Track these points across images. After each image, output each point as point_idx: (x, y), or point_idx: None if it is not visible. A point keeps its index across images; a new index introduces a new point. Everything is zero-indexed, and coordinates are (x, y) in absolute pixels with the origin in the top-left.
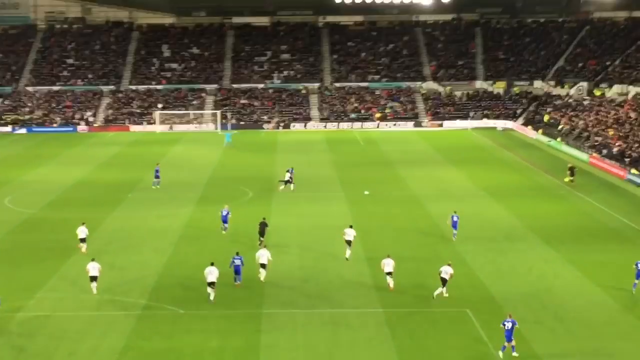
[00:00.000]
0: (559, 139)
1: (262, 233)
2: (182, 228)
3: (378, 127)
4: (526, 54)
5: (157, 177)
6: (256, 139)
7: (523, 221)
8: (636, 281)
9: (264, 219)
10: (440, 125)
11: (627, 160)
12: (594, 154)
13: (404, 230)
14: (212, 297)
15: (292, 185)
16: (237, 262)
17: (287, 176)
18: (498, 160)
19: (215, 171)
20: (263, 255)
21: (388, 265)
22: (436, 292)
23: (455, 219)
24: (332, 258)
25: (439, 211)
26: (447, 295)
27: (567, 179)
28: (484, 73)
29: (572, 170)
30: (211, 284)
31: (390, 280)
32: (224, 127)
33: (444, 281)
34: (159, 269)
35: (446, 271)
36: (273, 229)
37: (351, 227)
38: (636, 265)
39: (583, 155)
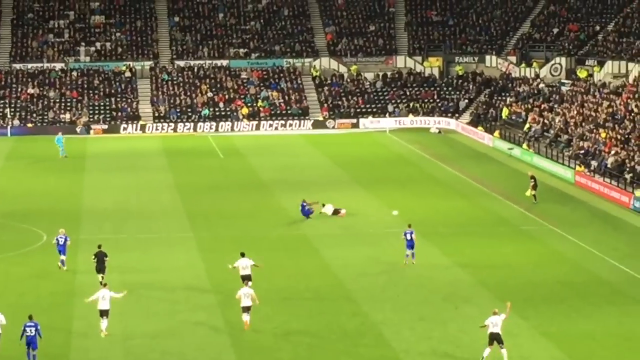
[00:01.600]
0: (525, 145)
1: (100, 269)
2: None
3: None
4: (473, 14)
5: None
6: (53, 149)
7: (471, 274)
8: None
9: (99, 247)
10: (354, 125)
11: (628, 176)
12: (580, 169)
13: (292, 292)
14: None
15: None
16: (30, 330)
17: None
18: (431, 179)
19: None
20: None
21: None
22: (485, 354)
23: (409, 236)
24: (172, 337)
25: (340, 260)
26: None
27: (529, 193)
28: (409, 44)
29: (534, 181)
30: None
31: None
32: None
33: (495, 337)
34: None
35: (495, 323)
36: (82, 292)
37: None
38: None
39: (566, 172)
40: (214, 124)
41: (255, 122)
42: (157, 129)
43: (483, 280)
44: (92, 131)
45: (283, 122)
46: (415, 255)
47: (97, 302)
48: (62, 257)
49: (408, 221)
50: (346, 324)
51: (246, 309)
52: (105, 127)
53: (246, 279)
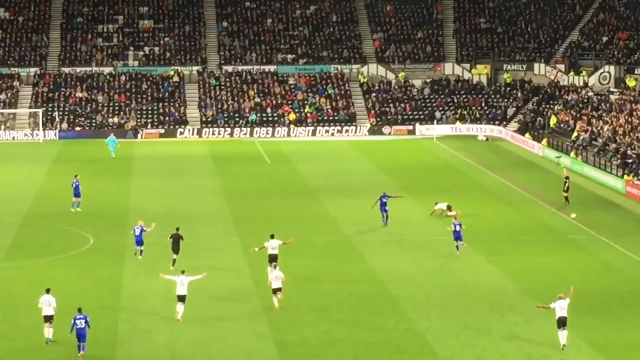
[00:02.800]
0: (572, 154)
1: (175, 249)
2: None
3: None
4: (522, 22)
5: (77, 194)
6: (100, 153)
7: (517, 282)
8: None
9: (177, 229)
10: (410, 132)
11: None
12: (628, 178)
13: (337, 298)
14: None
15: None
16: (80, 322)
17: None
18: (477, 187)
19: (36, 205)
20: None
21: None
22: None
23: (457, 227)
24: (217, 342)
25: (386, 267)
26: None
27: (564, 195)
28: (457, 51)
29: (567, 181)
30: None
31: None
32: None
33: (563, 321)
34: None
35: (562, 307)
36: (128, 305)
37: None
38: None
39: (617, 183)
40: (261, 129)
41: (311, 128)
42: (212, 134)
43: (529, 289)
44: (139, 135)
45: (339, 128)
46: (460, 263)
47: (176, 287)
48: (138, 247)
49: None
50: (391, 331)
51: (276, 290)
52: (162, 131)
53: (273, 259)
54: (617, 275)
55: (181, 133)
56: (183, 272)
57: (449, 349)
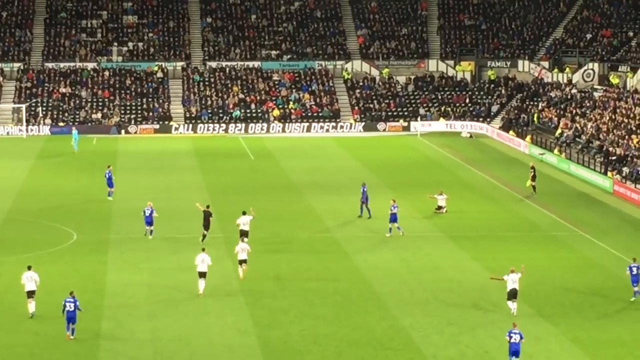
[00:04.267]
0: (556, 151)
1: (205, 226)
2: None
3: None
4: (506, 19)
5: (110, 185)
6: (85, 148)
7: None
8: (635, 288)
9: (207, 207)
10: (405, 128)
11: None
12: (611, 175)
13: (321, 295)
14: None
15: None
16: (70, 305)
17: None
18: (461, 183)
19: (19, 200)
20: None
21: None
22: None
23: (394, 209)
24: (200, 339)
25: (370, 264)
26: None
27: (528, 184)
28: (442, 48)
29: (533, 171)
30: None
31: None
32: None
33: (514, 293)
34: None
35: (514, 280)
36: (111, 301)
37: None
38: (630, 269)
39: (604, 181)
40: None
41: (285, 124)
42: (207, 130)
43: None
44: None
45: (334, 124)
46: (444, 259)
47: (197, 265)
48: (148, 227)
49: (436, 227)
50: (375, 328)
51: (242, 262)
52: (157, 127)
53: (244, 235)
54: (600, 272)
55: (176, 129)
56: (203, 249)
57: (433, 345)
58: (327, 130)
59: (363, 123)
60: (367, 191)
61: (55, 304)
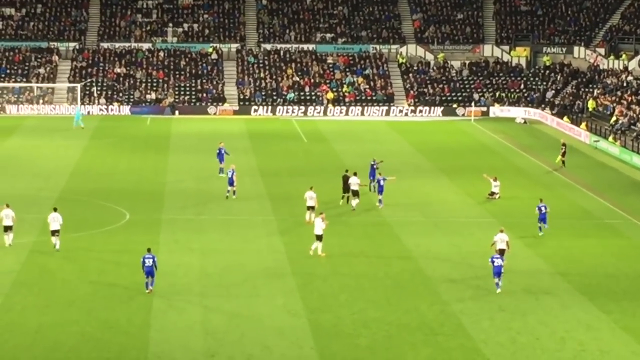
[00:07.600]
0: (611, 138)
1: (345, 189)
2: (16, 272)
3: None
4: (562, 5)
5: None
6: (138, 129)
7: (552, 266)
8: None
9: (346, 171)
10: (485, 113)
11: None
12: None
13: (372, 279)
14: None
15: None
16: (149, 262)
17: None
18: (515, 170)
19: (72, 180)
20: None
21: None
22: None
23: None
24: (251, 320)
25: (422, 248)
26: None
27: (558, 159)
28: (497, 33)
29: (564, 148)
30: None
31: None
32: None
33: (502, 253)
34: None
35: (502, 239)
36: (162, 271)
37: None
38: (538, 209)
39: None
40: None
41: (339, 107)
42: (286, 112)
43: (564, 272)
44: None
45: (413, 109)
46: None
47: (313, 226)
48: (230, 188)
49: (489, 214)
50: (425, 313)
51: (319, 238)
52: (237, 108)
53: (311, 209)
54: None
55: (255, 110)
56: (322, 213)
57: (484, 331)
58: (406, 115)
59: (442, 107)
60: (377, 168)
61: (108, 285)
